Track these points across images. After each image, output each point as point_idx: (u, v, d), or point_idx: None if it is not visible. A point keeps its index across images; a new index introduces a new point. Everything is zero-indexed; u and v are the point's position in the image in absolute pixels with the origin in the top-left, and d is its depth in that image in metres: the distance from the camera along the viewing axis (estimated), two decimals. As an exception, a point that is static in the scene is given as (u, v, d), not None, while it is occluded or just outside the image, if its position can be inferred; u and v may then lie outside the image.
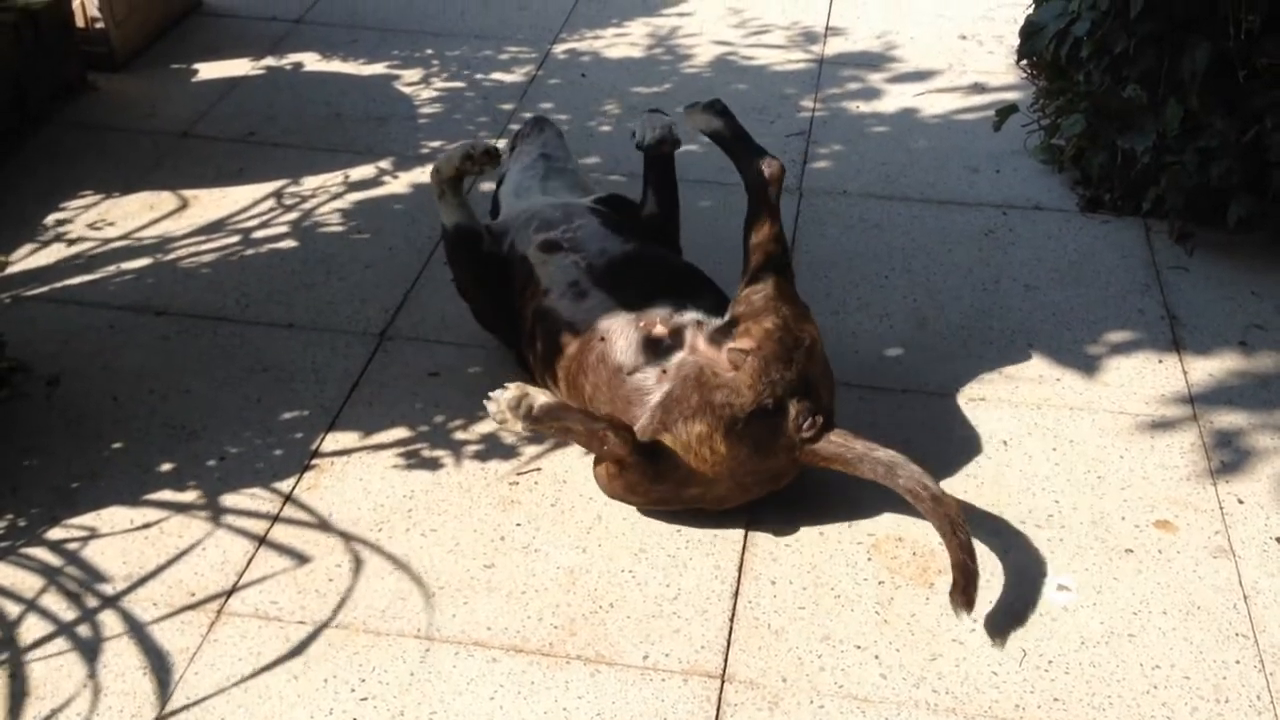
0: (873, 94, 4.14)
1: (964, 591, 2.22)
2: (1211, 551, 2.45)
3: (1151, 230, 3.42)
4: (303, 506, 2.52)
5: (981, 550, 2.44)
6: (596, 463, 2.50)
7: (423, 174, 3.65)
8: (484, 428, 2.73)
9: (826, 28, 4.59)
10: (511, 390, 2.27)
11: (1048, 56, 3.58)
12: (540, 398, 2.28)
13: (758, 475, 2.42)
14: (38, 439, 2.67)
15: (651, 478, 2.40)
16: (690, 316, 2.51)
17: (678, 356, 2.45)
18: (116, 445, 2.66)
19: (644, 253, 2.74)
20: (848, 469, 2.40)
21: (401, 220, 3.44)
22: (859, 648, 2.25)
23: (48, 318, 3.03)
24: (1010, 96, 3.98)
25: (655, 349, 2.47)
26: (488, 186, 3.51)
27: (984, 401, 2.82)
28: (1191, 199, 3.32)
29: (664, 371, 2.43)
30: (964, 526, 2.26)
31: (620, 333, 2.51)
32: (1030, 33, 3.61)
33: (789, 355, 2.36)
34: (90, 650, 2.21)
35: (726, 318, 2.48)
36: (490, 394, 2.28)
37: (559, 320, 2.62)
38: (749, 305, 2.45)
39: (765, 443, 2.37)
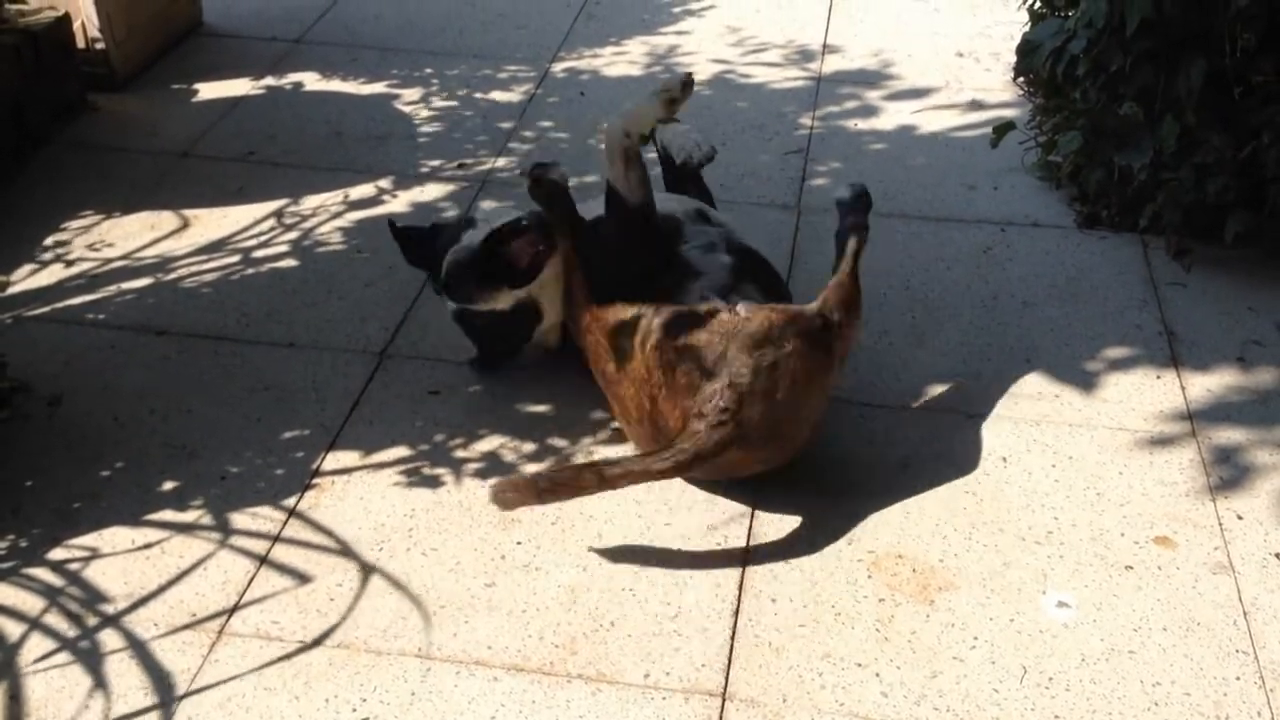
0: (870, 111, 4.16)
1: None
2: (1211, 568, 2.46)
3: (1149, 246, 3.43)
4: (304, 525, 2.53)
5: (981, 567, 2.45)
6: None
7: (422, 192, 3.66)
8: (484, 446, 2.74)
9: (824, 46, 4.61)
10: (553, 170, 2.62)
11: (1044, 74, 3.60)
12: (555, 175, 2.64)
13: (650, 410, 2.49)
14: (39, 459, 2.67)
15: (591, 316, 2.59)
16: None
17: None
18: (118, 465, 2.66)
19: (763, 257, 2.83)
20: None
21: (401, 239, 3.45)
22: (860, 665, 2.25)
23: (49, 338, 3.04)
24: (1007, 114, 4.00)
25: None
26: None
27: (983, 418, 2.83)
28: (1189, 215, 3.33)
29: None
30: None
31: (707, 285, 2.62)
32: (1027, 50, 3.63)
33: (756, 347, 2.43)
34: (91, 671, 2.21)
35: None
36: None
37: (681, 261, 2.68)
38: (783, 308, 2.55)
39: (673, 384, 2.45)
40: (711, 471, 2.50)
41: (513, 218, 2.75)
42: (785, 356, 2.43)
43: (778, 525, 2.52)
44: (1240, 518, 2.57)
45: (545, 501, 2.46)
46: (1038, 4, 3.81)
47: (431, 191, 3.68)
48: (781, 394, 2.43)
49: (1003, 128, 3.73)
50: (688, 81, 2.66)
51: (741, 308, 2.49)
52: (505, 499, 2.42)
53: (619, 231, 2.72)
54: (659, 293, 2.59)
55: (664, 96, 2.67)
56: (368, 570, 2.43)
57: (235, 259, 3.36)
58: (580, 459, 2.69)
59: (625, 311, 2.53)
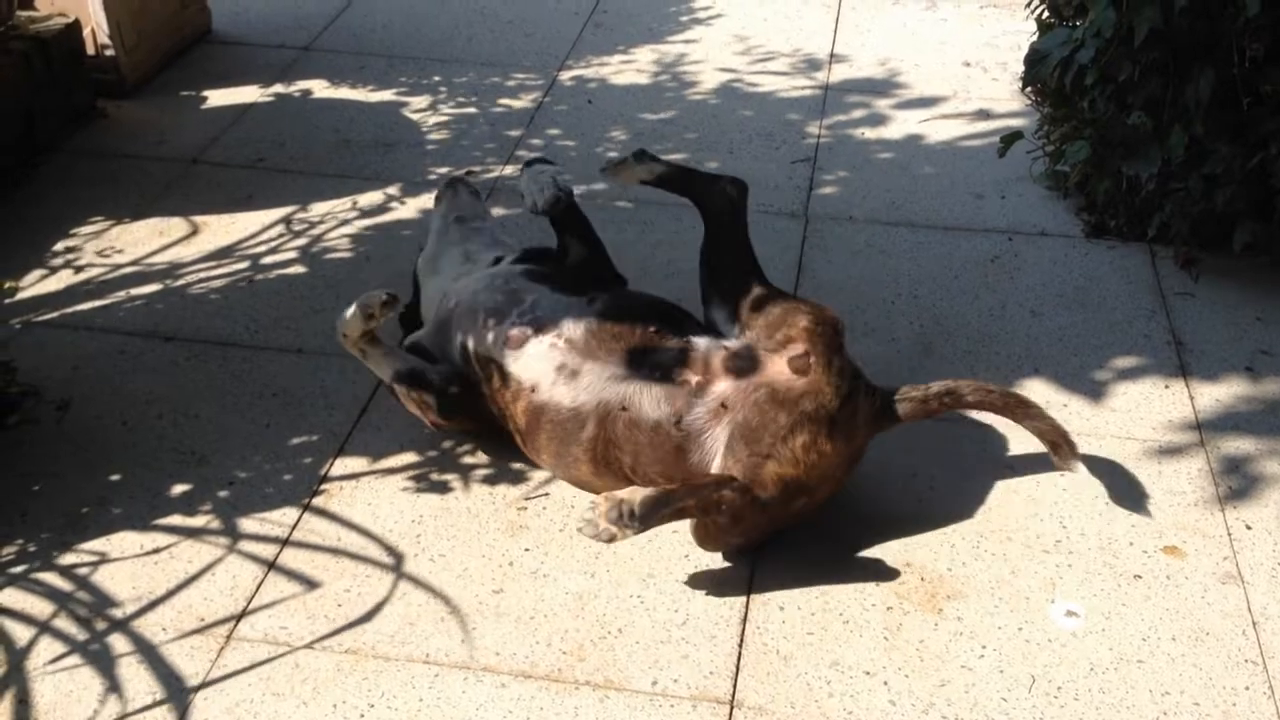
0: (878, 120, 4.17)
1: (1065, 445, 2.51)
2: (1220, 577, 2.45)
3: (1157, 256, 3.43)
4: (312, 531, 2.53)
5: (989, 576, 2.45)
6: (698, 523, 2.41)
7: (430, 199, 3.66)
8: (492, 452, 2.73)
9: (831, 55, 4.62)
10: (602, 505, 2.24)
11: (1052, 84, 3.60)
12: (635, 496, 2.24)
13: (850, 461, 2.45)
14: (48, 464, 2.68)
15: (762, 510, 2.36)
16: (712, 344, 2.49)
17: (720, 387, 2.40)
18: (126, 470, 2.67)
19: (612, 304, 2.60)
20: (919, 417, 2.49)
21: (409, 245, 3.45)
22: (868, 673, 2.25)
23: (58, 343, 3.05)
24: (1015, 123, 4.01)
25: (687, 389, 2.41)
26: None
27: (991, 427, 2.82)
28: (1197, 225, 3.33)
29: (723, 406, 2.38)
30: (1033, 404, 2.54)
31: (641, 392, 2.43)
32: (1035, 60, 3.62)
33: (838, 340, 2.40)
34: (100, 675, 2.21)
35: (741, 338, 2.49)
36: (584, 518, 2.25)
37: (561, 409, 2.48)
38: (767, 316, 2.47)
39: (851, 427, 2.39)
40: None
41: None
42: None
43: (785, 533, 2.51)
44: (1249, 527, 2.57)
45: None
46: (1045, 13, 3.81)
47: (440, 199, 3.68)
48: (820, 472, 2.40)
49: (1010, 137, 3.73)
50: (388, 300, 2.53)
51: (781, 364, 2.38)
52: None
53: (400, 398, 2.68)
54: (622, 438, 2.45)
55: (361, 312, 2.54)
56: (376, 576, 2.43)
57: (244, 265, 3.37)
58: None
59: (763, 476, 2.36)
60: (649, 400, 2.42)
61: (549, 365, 2.52)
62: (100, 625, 2.30)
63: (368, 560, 2.47)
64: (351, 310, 2.57)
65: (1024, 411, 2.54)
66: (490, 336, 2.60)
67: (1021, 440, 2.78)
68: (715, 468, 2.36)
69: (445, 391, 2.62)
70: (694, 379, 2.42)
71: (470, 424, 2.71)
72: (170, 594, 2.37)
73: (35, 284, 3.27)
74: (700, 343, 2.50)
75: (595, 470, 2.51)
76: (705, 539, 2.44)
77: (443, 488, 2.65)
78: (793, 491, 2.36)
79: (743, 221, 2.68)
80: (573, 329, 2.54)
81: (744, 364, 2.42)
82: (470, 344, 2.64)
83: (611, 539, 2.24)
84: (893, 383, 2.94)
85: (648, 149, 2.79)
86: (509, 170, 3.83)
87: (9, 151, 3.72)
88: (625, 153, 2.80)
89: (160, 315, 3.16)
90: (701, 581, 2.43)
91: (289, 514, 2.57)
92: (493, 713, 2.16)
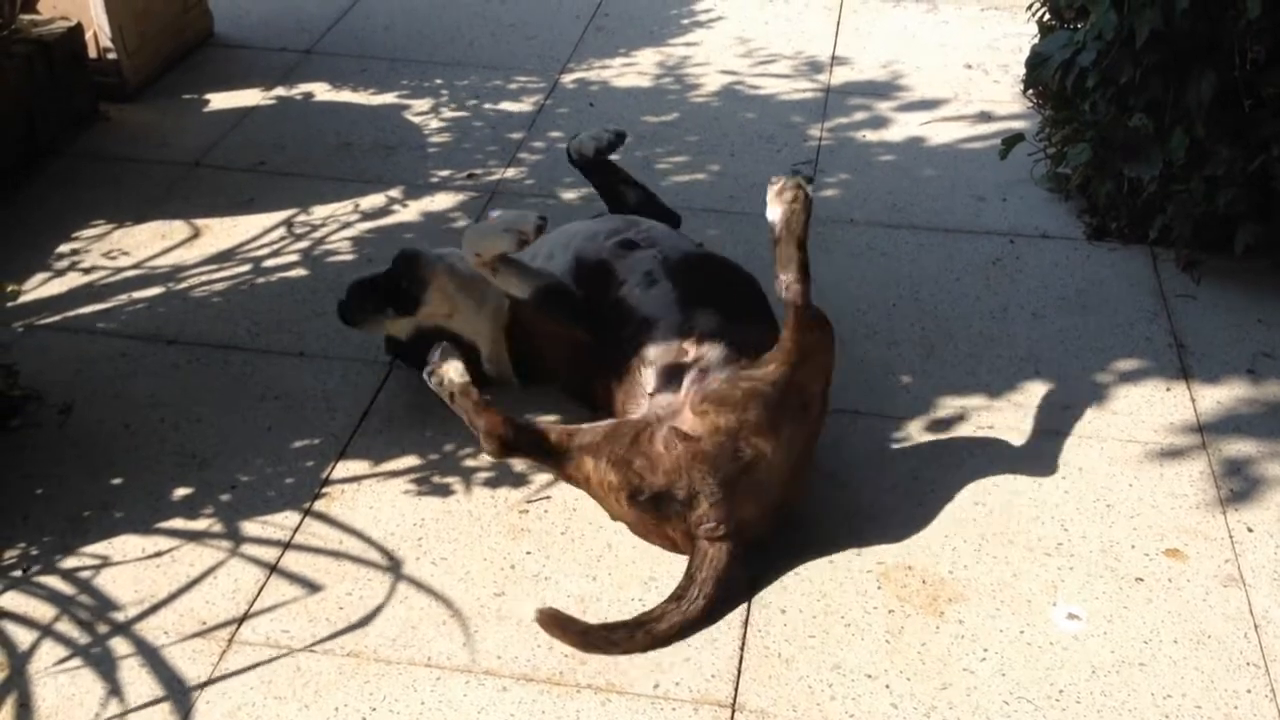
0: (879, 123, 4.17)
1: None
2: (1222, 580, 2.45)
3: (1158, 258, 3.43)
4: (313, 534, 2.53)
5: (991, 578, 2.45)
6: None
7: (432, 203, 3.67)
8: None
9: (832, 57, 4.62)
10: (440, 366, 2.54)
11: (1053, 86, 3.60)
12: (456, 379, 2.52)
13: (653, 535, 2.46)
14: (50, 467, 2.68)
15: (563, 472, 2.52)
16: (708, 352, 2.50)
17: (666, 398, 2.46)
18: (128, 473, 2.67)
19: (712, 256, 2.86)
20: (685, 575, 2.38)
21: (411, 249, 3.46)
22: (869, 677, 2.25)
23: (60, 346, 3.05)
24: (1016, 125, 4.01)
25: (670, 371, 2.51)
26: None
27: (992, 429, 2.82)
28: (1198, 227, 3.33)
29: (650, 396, 2.49)
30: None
31: (668, 331, 2.55)
32: (1036, 63, 3.62)
33: (720, 463, 2.33)
34: (102, 679, 2.21)
35: (724, 372, 2.46)
36: (430, 359, 2.54)
37: (627, 306, 2.64)
38: (730, 384, 2.37)
39: (665, 517, 2.39)
40: None
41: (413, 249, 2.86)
42: (752, 458, 2.33)
43: (786, 537, 2.51)
44: (1251, 530, 2.57)
45: (584, 648, 2.31)
46: (1047, 16, 3.81)
47: (441, 202, 3.69)
48: (765, 481, 2.36)
49: (1012, 139, 3.73)
50: (540, 225, 2.61)
51: (688, 416, 2.37)
52: (547, 626, 2.31)
53: (544, 313, 2.73)
54: (623, 365, 2.57)
55: (518, 237, 2.61)
56: (377, 579, 2.43)
57: (246, 268, 3.37)
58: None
59: (581, 469, 2.45)
60: (660, 338, 2.55)
61: (640, 269, 2.70)
62: (102, 628, 2.31)
63: (369, 563, 2.47)
64: (498, 229, 2.63)
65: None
66: (605, 244, 2.78)
67: (1023, 443, 2.79)
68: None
69: (581, 316, 2.70)
70: (690, 355, 2.51)
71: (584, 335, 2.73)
72: (172, 597, 2.38)
73: (37, 287, 3.27)
74: (715, 346, 2.51)
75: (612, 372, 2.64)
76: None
77: (444, 491, 2.65)
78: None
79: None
80: (672, 251, 2.76)
81: (691, 393, 2.46)
82: (587, 254, 2.78)
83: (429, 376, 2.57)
84: (893, 385, 2.95)
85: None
86: (510, 173, 3.84)
87: (11, 154, 3.73)
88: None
89: (162, 318, 3.17)
90: (703, 584, 2.43)
91: (290, 517, 2.57)
92: (494, 716, 2.16)
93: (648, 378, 2.53)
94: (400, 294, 2.83)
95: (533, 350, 2.86)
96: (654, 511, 2.39)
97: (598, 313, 2.68)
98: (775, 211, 2.39)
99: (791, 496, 2.46)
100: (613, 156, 3.15)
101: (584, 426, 2.48)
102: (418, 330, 2.85)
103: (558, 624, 2.29)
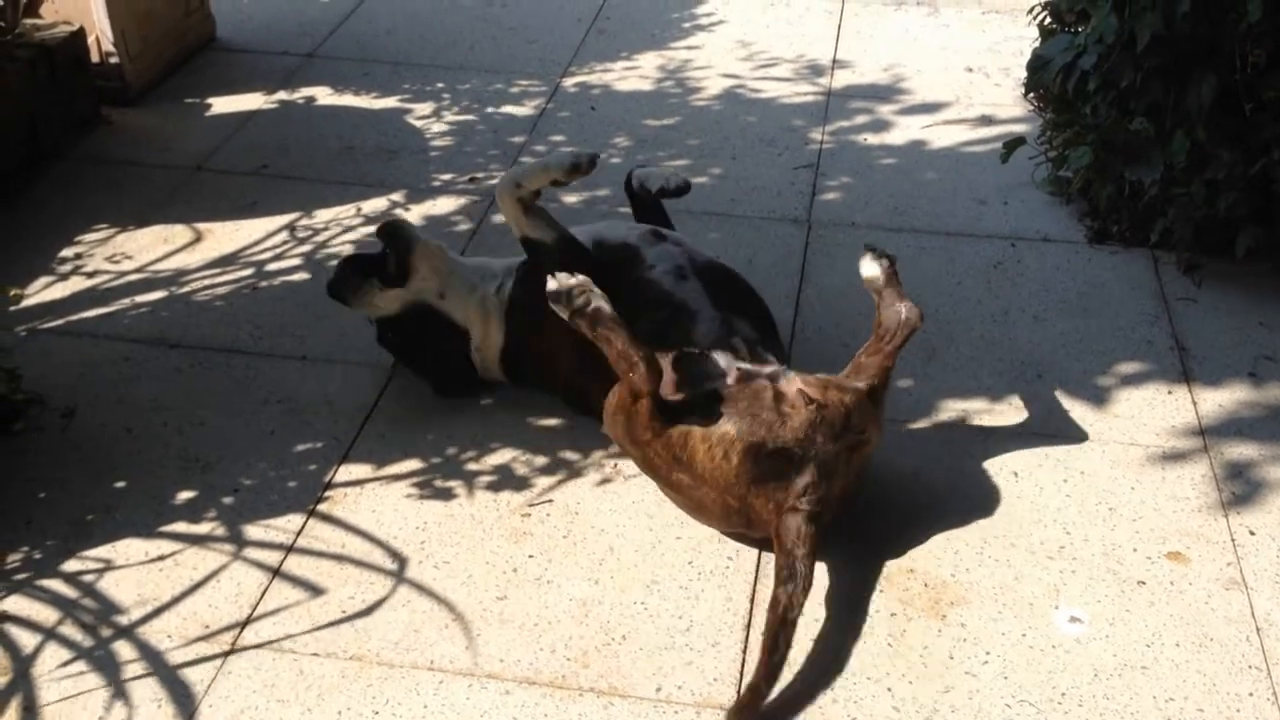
0: (880, 126, 4.17)
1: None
2: (1224, 583, 2.45)
3: (1160, 261, 3.43)
4: (316, 538, 2.53)
5: (993, 582, 2.45)
6: (616, 392, 2.48)
7: (434, 206, 3.68)
8: (496, 459, 2.74)
9: (833, 61, 4.62)
10: (577, 279, 2.42)
11: (1054, 89, 3.60)
12: (599, 301, 2.40)
13: (740, 507, 2.39)
14: (53, 471, 2.68)
15: (653, 434, 2.41)
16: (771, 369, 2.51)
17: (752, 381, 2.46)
18: (131, 477, 2.67)
19: (733, 272, 2.84)
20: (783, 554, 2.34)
21: (413, 253, 3.47)
22: (871, 679, 2.25)
23: (63, 350, 3.05)
24: (1017, 129, 4.01)
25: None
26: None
27: (994, 433, 2.83)
28: (1200, 230, 3.33)
29: (740, 373, 2.45)
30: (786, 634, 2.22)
31: (698, 322, 2.58)
32: (1037, 66, 3.63)
33: (840, 431, 2.37)
34: (105, 682, 2.21)
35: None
36: (556, 275, 2.43)
37: (658, 289, 2.67)
38: (855, 368, 2.52)
39: (768, 484, 2.35)
40: None
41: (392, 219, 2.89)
42: (863, 439, 2.42)
43: (789, 539, 2.52)
44: (1253, 533, 2.57)
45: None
46: (1048, 19, 3.82)
47: (443, 205, 3.69)
48: (856, 469, 2.44)
49: (1013, 143, 3.73)
50: (594, 160, 2.71)
51: (804, 387, 2.41)
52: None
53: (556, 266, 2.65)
54: (672, 336, 2.56)
55: (569, 166, 2.70)
56: (380, 583, 2.44)
57: (248, 272, 3.38)
58: (593, 472, 2.70)
59: (695, 429, 2.38)
60: (705, 331, 2.57)
61: (670, 260, 2.74)
62: (105, 632, 2.31)
63: (372, 567, 2.47)
64: (549, 160, 2.73)
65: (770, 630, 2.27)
66: (634, 233, 2.84)
67: (1024, 447, 2.79)
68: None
69: (595, 265, 2.67)
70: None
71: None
72: (175, 601, 2.38)
73: (39, 291, 3.28)
74: (771, 364, 2.53)
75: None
76: (608, 405, 2.52)
77: (447, 494, 2.65)
78: (682, 454, 2.41)
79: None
80: (697, 255, 2.80)
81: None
82: (608, 237, 2.84)
83: (554, 299, 2.44)
84: (895, 388, 2.95)
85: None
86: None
87: (13, 158, 3.73)
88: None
89: (165, 322, 3.17)
90: (705, 588, 2.44)
91: (293, 521, 2.57)
92: (497, 719, 2.16)
93: (723, 362, 2.48)
94: (388, 265, 2.84)
95: (535, 352, 2.85)
96: (757, 475, 2.35)
97: (616, 285, 2.60)
98: (873, 268, 2.63)
99: (851, 500, 2.48)
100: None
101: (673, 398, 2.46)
102: (408, 306, 2.85)
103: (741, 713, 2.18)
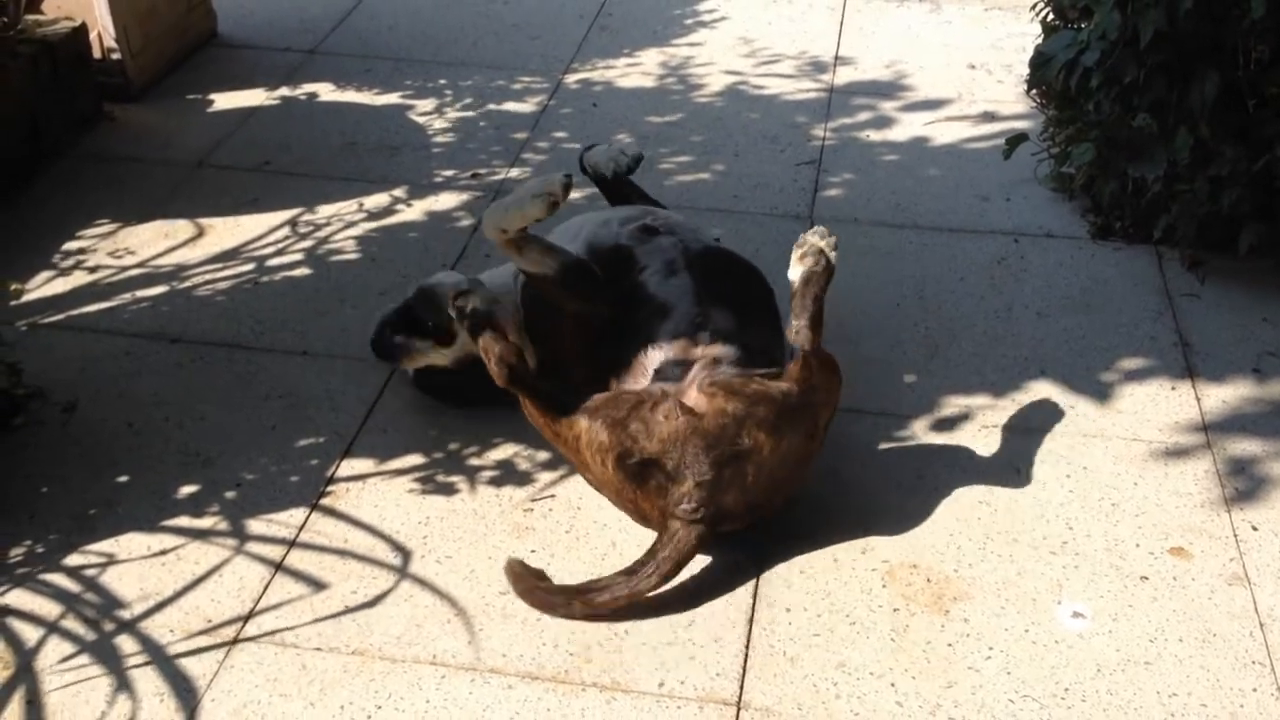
0: (883, 123, 4.17)
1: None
2: (1227, 579, 2.45)
3: (1163, 258, 3.43)
4: (318, 532, 2.53)
5: (996, 577, 2.45)
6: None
7: (436, 202, 3.67)
8: (498, 454, 2.74)
9: (835, 57, 4.62)
10: (453, 280, 2.55)
11: (1057, 86, 3.60)
12: (476, 302, 2.49)
13: (634, 508, 2.45)
14: (54, 466, 2.68)
15: (547, 428, 2.48)
16: (720, 351, 2.49)
17: (671, 382, 2.45)
18: (133, 472, 2.67)
19: (728, 253, 2.80)
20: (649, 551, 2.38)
21: (415, 248, 3.46)
22: (874, 675, 2.25)
23: (64, 345, 3.05)
24: (1020, 125, 4.01)
25: (679, 360, 2.49)
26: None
27: (997, 428, 2.82)
28: (1203, 227, 3.33)
29: (654, 375, 2.48)
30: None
31: (683, 321, 2.53)
32: (1040, 63, 3.62)
33: (714, 445, 2.33)
34: (108, 676, 2.21)
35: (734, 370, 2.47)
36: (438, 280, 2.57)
37: (645, 292, 2.60)
38: (743, 380, 2.40)
39: (646, 489, 2.38)
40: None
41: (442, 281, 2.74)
42: (749, 448, 2.34)
43: (791, 535, 2.52)
44: (1256, 529, 2.57)
45: (526, 600, 2.38)
46: (1050, 16, 3.81)
47: (445, 201, 3.69)
48: (753, 477, 2.36)
49: (1015, 139, 3.73)
50: (568, 184, 2.50)
51: (693, 395, 2.39)
52: (509, 574, 2.40)
53: (569, 291, 2.62)
54: (635, 346, 2.54)
55: (547, 200, 2.47)
56: (382, 577, 2.43)
57: (250, 268, 3.38)
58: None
59: (573, 427, 2.42)
60: (672, 329, 2.52)
61: (662, 257, 2.66)
62: (108, 626, 2.31)
63: (374, 562, 2.47)
64: (524, 198, 2.48)
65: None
66: (622, 230, 2.73)
67: (1027, 442, 2.78)
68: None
69: (603, 281, 2.63)
70: (699, 352, 2.49)
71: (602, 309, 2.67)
72: (178, 595, 2.38)
73: (41, 286, 3.28)
74: (727, 347, 2.50)
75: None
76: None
77: (449, 489, 2.65)
78: (568, 445, 2.48)
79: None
80: (693, 241, 2.72)
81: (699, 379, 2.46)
82: (601, 241, 2.73)
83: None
84: (898, 385, 2.95)
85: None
86: (515, 173, 3.84)
87: (15, 154, 3.73)
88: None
89: (166, 317, 3.17)
90: (708, 583, 2.43)
91: (296, 515, 2.57)
92: (499, 714, 2.16)
93: (654, 358, 2.51)
94: (428, 326, 2.78)
95: (549, 354, 2.80)
96: (637, 480, 2.37)
97: (616, 296, 2.62)
98: (796, 271, 2.48)
99: (771, 505, 2.44)
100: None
101: (587, 391, 2.48)
102: (459, 358, 2.78)
103: (515, 574, 2.38)
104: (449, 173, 3.84)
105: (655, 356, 2.51)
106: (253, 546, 2.49)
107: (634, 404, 2.40)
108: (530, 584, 2.36)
